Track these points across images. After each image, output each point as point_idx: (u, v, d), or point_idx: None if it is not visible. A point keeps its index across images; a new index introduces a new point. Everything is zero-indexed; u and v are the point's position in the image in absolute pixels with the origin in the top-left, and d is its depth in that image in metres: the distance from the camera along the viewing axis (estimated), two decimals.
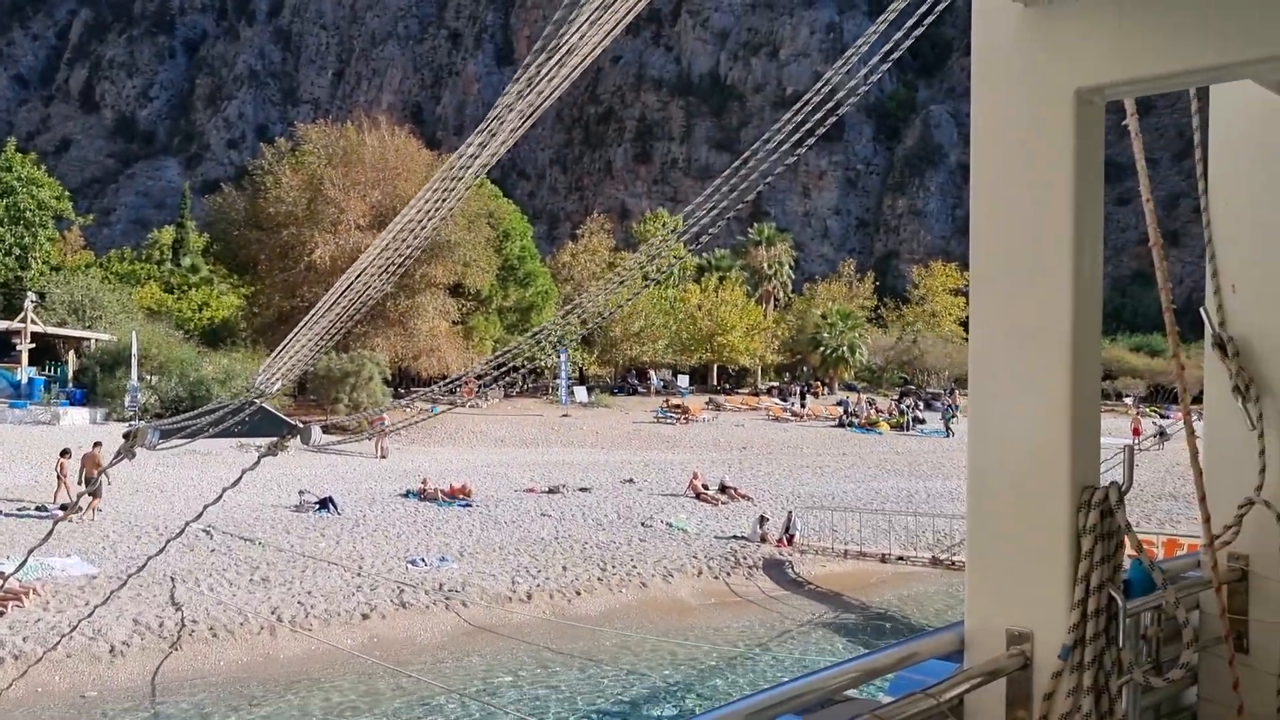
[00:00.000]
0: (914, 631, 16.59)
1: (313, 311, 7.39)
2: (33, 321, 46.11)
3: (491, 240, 55.83)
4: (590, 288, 50.12)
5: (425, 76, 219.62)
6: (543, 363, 47.91)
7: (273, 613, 16.67)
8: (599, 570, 20.95)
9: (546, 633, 17.73)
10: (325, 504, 24.90)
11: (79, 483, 22.29)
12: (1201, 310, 3.77)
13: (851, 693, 2.68)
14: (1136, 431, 46.98)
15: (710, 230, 6.46)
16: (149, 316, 56.27)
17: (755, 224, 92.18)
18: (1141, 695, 3.13)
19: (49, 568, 17.24)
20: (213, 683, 14.60)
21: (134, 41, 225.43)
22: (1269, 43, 2.57)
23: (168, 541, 8.84)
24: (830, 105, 5.39)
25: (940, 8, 4.63)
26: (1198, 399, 3.94)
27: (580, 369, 65.72)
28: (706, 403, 61.69)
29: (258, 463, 5.83)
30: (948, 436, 51.74)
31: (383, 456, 36.59)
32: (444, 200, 6.18)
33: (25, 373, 45.12)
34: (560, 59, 4.85)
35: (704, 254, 79.59)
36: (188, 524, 7.21)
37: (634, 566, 21.44)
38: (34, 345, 46.64)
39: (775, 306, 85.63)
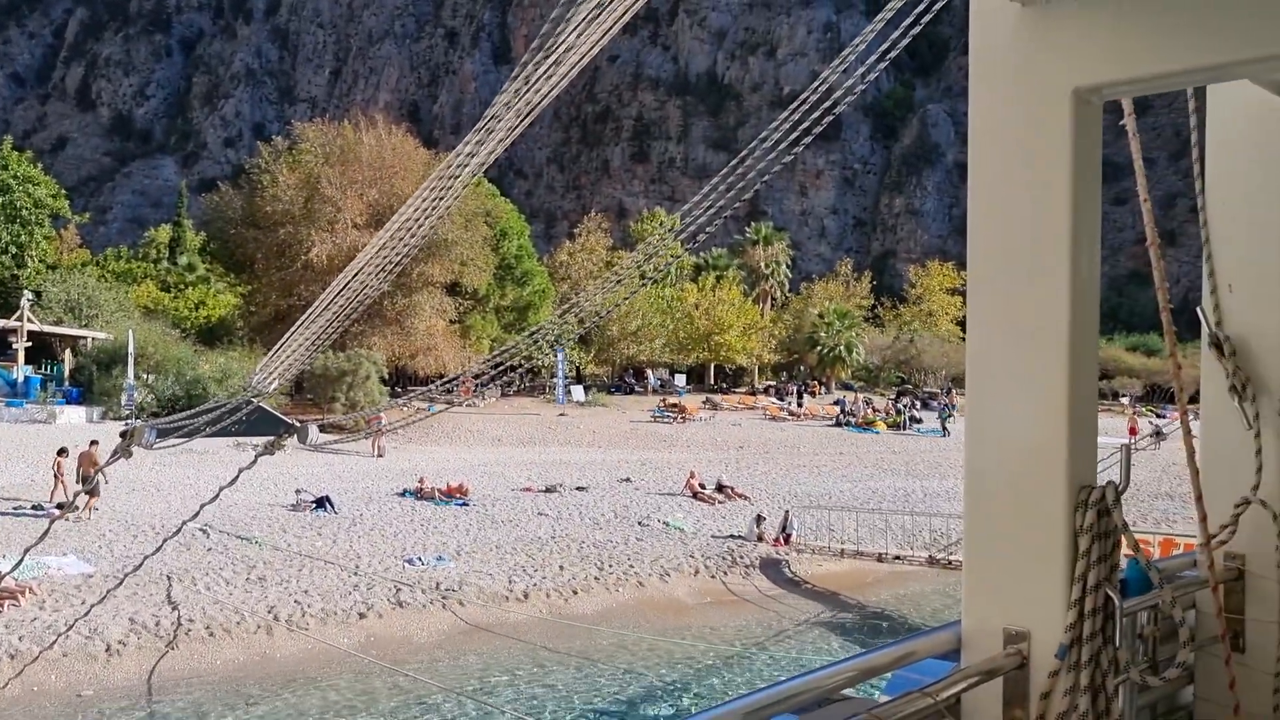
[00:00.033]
0: (911, 631, 16.61)
1: (310, 310, 7.39)
2: (29, 320, 46.08)
3: (489, 239, 55.86)
4: (587, 287, 50.08)
5: (422, 75, 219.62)
6: (540, 362, 47.94)
7: (269, 612, 16.65)
8: (596, 569, 20.93)
9: (543, 632, 17.72)
10: (322, 503, 24.87)
11: (76, 481, 22.25)
12: (1198, 310, 3.77)
13: (848, 692, 2.68)
14: (1133, 431, 47.10)
15: (707, 229, 6.47)
16: (145, 315, 56.31)
17: (752, 223, 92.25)
18: (1138, 694, 3.13)
19: (45, 566, 17.22)
20: (209, 682, 14.57)
21: (130, 40, 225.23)
22: (1266, 42, 2.57)
23: (164, 540, 8.79)
24: (827, 104, 5.40)
25: (937, 7, 4.63)
26: (1194, 398, 3.93)
27: (577, 368, 65.76)
28: (703, 402, 61.73)
29: (255, 462, 5.81)
30: (944, 436, 51.81)
31: (379, 455, 36.56)
32: (441, 199, 6.19)
33: (21, 371, 45.13)
34: (557, 58, 4.86)
35: (701, 253, 79.72)
36: (184, 523, 7.18)
37: (631, 566, 21.43)
38: (30, 344, 46.64)
39: (772, 306, 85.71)
